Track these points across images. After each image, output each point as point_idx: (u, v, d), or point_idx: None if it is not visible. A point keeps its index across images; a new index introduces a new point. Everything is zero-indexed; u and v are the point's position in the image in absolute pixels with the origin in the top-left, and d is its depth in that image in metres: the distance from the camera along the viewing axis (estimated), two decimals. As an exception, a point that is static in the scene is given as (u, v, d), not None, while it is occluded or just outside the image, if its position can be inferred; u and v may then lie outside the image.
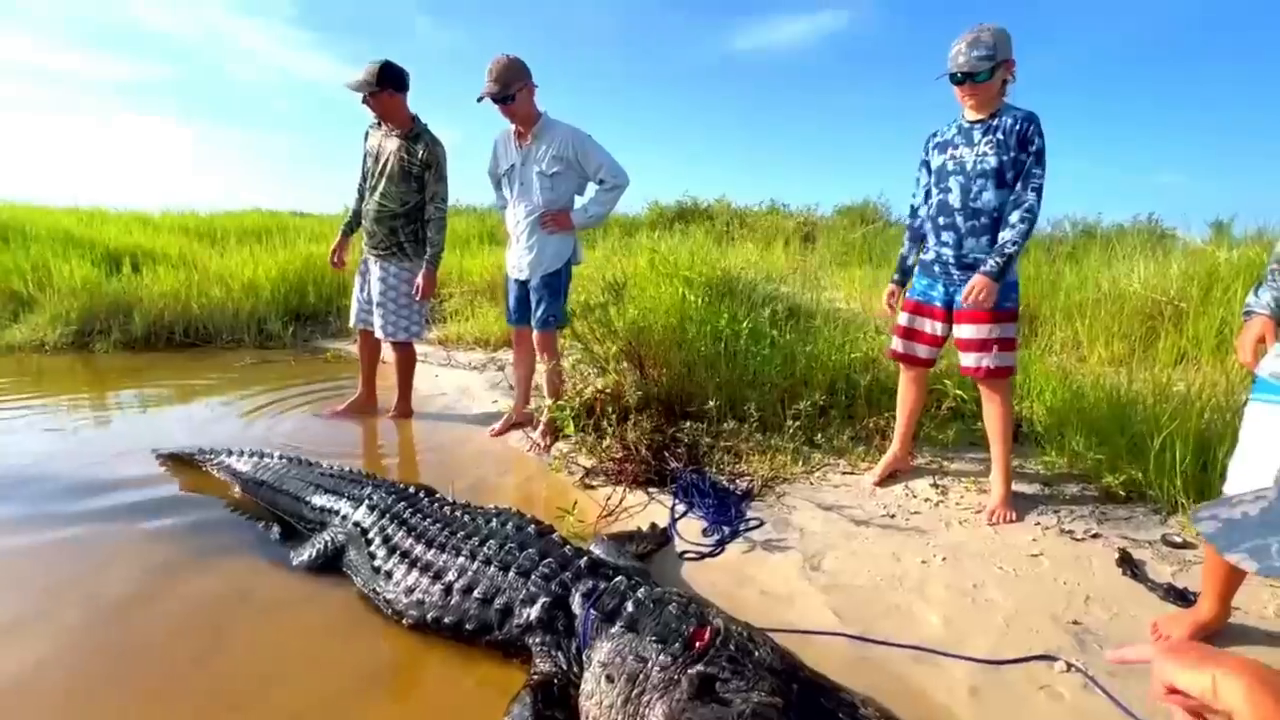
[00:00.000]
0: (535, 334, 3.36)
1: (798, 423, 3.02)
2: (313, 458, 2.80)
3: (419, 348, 5.48)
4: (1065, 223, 6.89)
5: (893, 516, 2.46)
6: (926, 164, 2.54)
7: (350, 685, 1.68)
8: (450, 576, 1.82)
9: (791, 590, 2.07)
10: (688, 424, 3.11)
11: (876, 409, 3.17)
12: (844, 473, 2.86)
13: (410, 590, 1.85)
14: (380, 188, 3.54)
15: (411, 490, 2.28)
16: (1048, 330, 4.27)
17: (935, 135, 2.50)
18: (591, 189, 3.31)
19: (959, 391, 3.10)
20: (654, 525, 2.45)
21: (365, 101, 3.41)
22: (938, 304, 2.51)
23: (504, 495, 2.88)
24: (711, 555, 2.28)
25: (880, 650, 1.77)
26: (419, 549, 1.94)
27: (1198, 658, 0.79)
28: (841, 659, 1.74)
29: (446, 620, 1.75)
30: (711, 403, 3.14)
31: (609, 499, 2.66)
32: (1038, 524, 2.35)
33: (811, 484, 2.77)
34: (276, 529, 2.39)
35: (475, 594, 1.75)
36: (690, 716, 1.38)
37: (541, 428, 3.37)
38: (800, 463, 2.91)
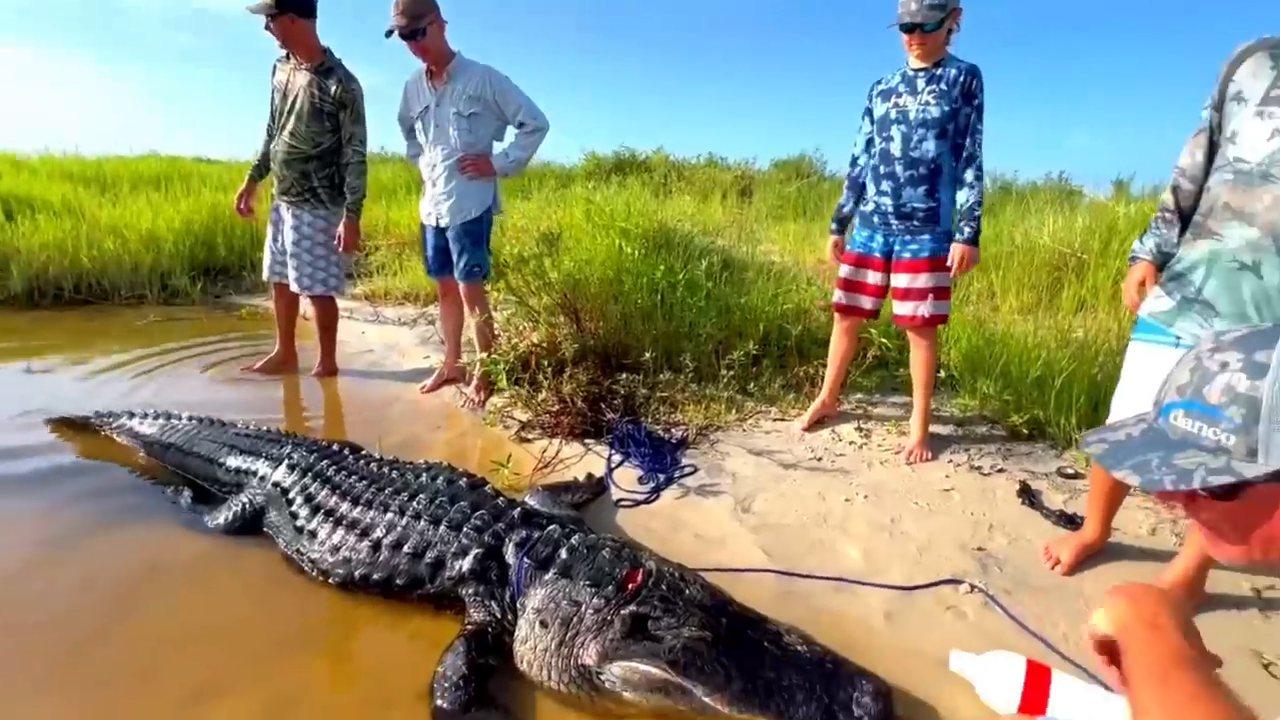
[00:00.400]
0: (461, 286, 3.25)
1: (731, 372, 3.07)
2: (228, 419, 2.64)
3: (343, 304, 5.21)
4: (985, 180, 7.20)
5: (819, 459, 2.57)
6: (869, 112, 2.54)
7: (275, 646, 1.63)
8: (379, 533, 1.78)
9: (724, 532, 2.14)
10: (624, 376, 3.11)
11: (806, 358, 3.27)
12: (775, 419, 2.94)
13: (336, 549, 1.80)
14: (289, 127, 3.27)
15: (335, 448, 2.19)
16: (965, 282, 4.48)
17: (880, 83, 2.50)
18: (510, 134, 3.17)
19: (884, 340, 3.23)
20: (590, 475, 2.47)
21: (267, 27, 3.10)
22: (877, 255, 2.55)
23: (436, 451, 2.82)
24: (647, 502, 2.33)
25: (805, 584, 1.87)
26: (344, 507, 1.87)
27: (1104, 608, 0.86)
28: (770, 593, 1.83)
29: (376, 577, 1.71)
30: (648, 354, 3.14)
31: (545, 451, 2.65)
32: (950, 461, 2.50)
33: (744, 431, 2.84)
34: (188, 494, 2.25)
35: (405, 549, 1.72)
36: (624, 654, 1.42)
37: (475, 382, 3.30)
38: (734, 411, 2.98)
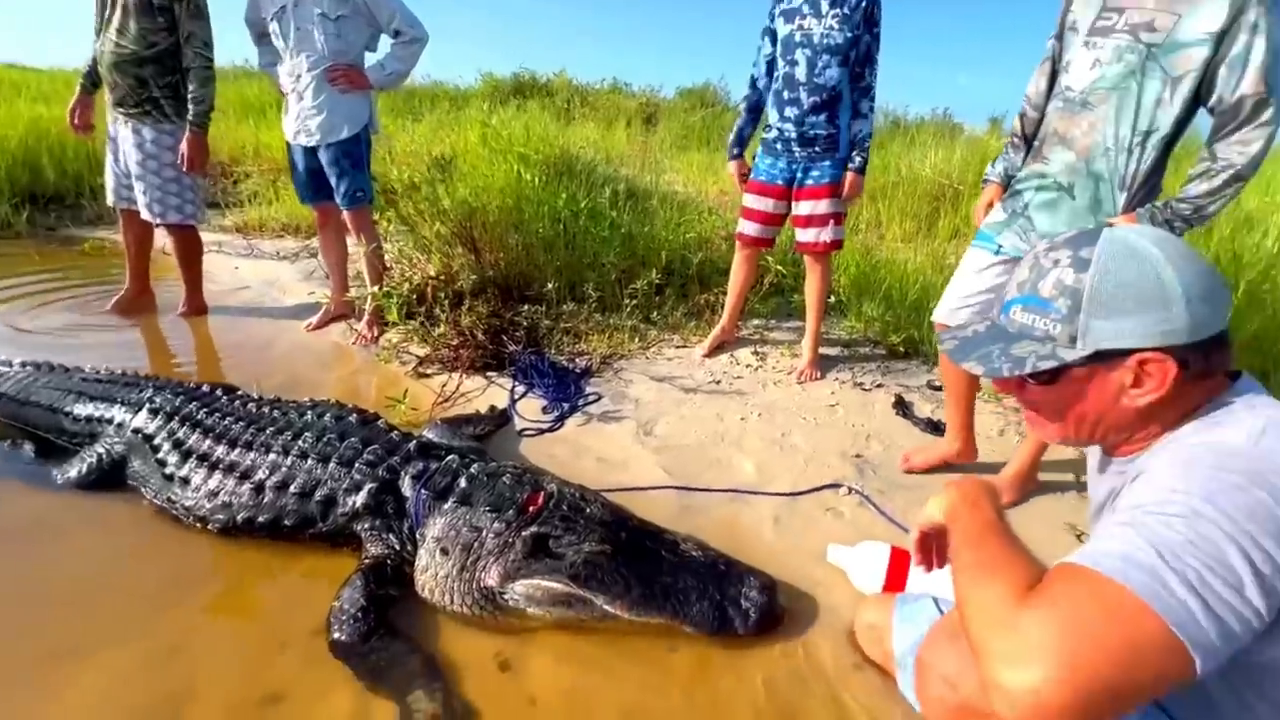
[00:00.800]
0: (346, 214, 3.00)
1: (635, 302, 3.09)
2: (73, 365, 2.34)
3: (213, 237, 4.72)
4: (878, 114, 7.45)
5: (718, 383, 2.67)
6: (772, 32, 2.49)
7: (150, 599, 1.53)
8: (261, 474, 1.68)
9: (626, 455, 2.20)
10: (526, 307, 3.04)
11: (708, 286, 3.33)
12: (677, 346, 3.01)
13: (214, 494, 1.68)
14: (115, 23, 2.79)
15: (204, 389, 2.01)
16: (855, 212, 4.69)
17: (781, 1, 2.46)
18: (385, 45, 2.88)
19: (779, 268, 3.34)
20: (493, 407, 2.44)
21: None
22: (779, 182, 2.58)
23: (326, 391, 2.65)
24: (551, 430, 2.34)
25: (702, 497, 1.97)
26: (220, 450, 1.74)
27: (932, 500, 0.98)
28: (670, 509, 1.92)
29: (261, 519, 1.63)
30: (550, 285, 3.08)
31: (445, 386, 2.58)
32: (837, 379, 2.68)
33: (647, 358, 2.89)
34: (29, 447, 2.01)
35: (292, 489, 1.64)
36: (526, 573, 1.45)
37: (366, 318, 3.11)
38: (637, 339, 3.01)
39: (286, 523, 1.62)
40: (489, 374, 2.70)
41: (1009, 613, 0.67)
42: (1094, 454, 1.01)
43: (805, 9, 2.38)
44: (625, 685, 1.37)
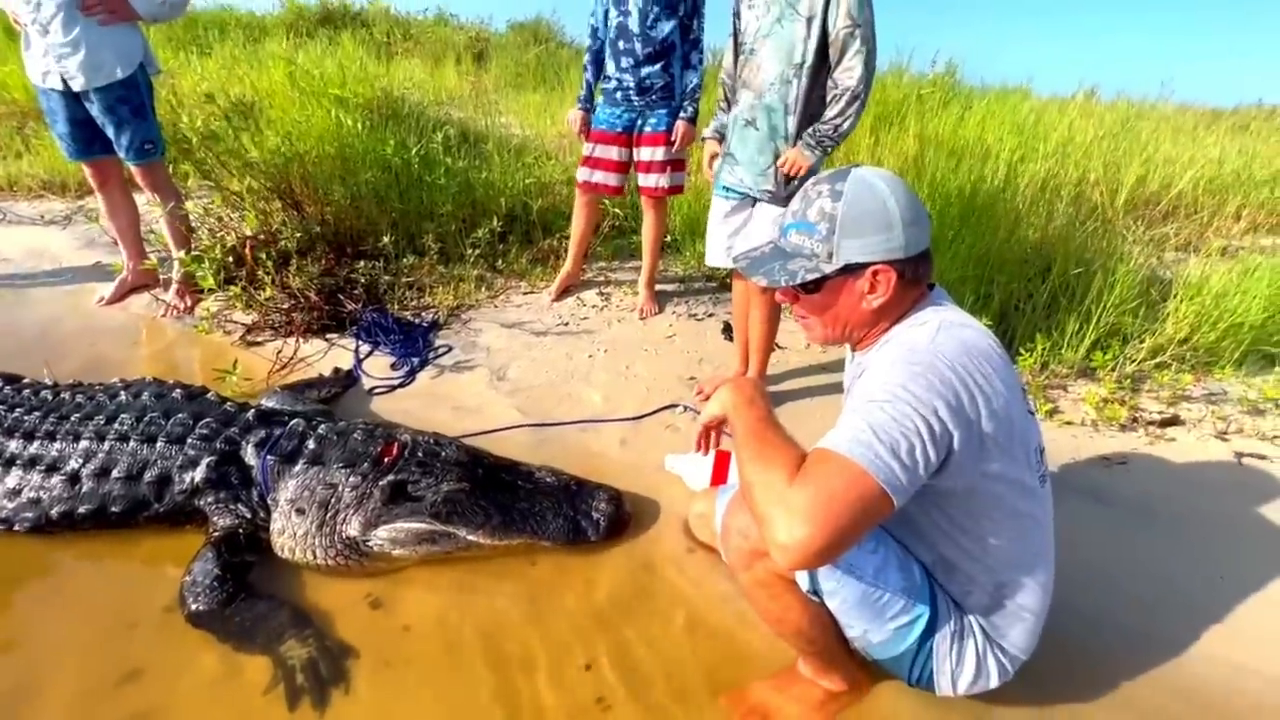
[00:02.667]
0: (134, 169, 2.64)
1: (478, 251, 3.09)
2: None
3: None
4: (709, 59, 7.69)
5: (566, 324, 2.81)
6: None
7: (-44, 610, 1.40)
8: (73, 464, 1.56)
9: (481, 401, 2.29)
10: (362, 264, 2.93)
11: (550, 232, 3.40)
12: (525, 293, 3.09)
13: (16, 492, 1.54)
14: None
15: (-19, 381, 1.78)
16: (690, 153, 4.93)
17: None
18: None
19: (618, 210, 3.49)
20: (337, 369, 2.38)
21: None
22: (620, 130, 2.66)
23: (137, 370, 2.39)
24: (402, 386, 2.35)
25: (555, 431, 2.14)
26: (14, 445, 1.58)
27: (714, 392, 1.21)
28: (526, 446, 2.06)
29: (82, 510, 1.53)
30: (386, 239, 2.98)
31: (279, 353, 2.46)
32: (674, 313, 2.94)
33: (496, 307, 2.95)
34: None
35: (116, 473, 1.55)
36: (386, 519, 1.53)
37: (175, 287, 2.81)
38: (484, 289, 3.04)
39: (114, 509, 1.53)
40: (329, 336, 2.61)
41: (781, 491, 0.90)
42: (848, 351, 1.30)
43: None
44: (493, 600, 1.53)
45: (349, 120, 3.44)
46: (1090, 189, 3.11)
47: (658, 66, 2.56)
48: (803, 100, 1.80)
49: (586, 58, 2.75)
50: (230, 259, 2.75)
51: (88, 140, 2.58)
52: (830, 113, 1.77)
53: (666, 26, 2.50)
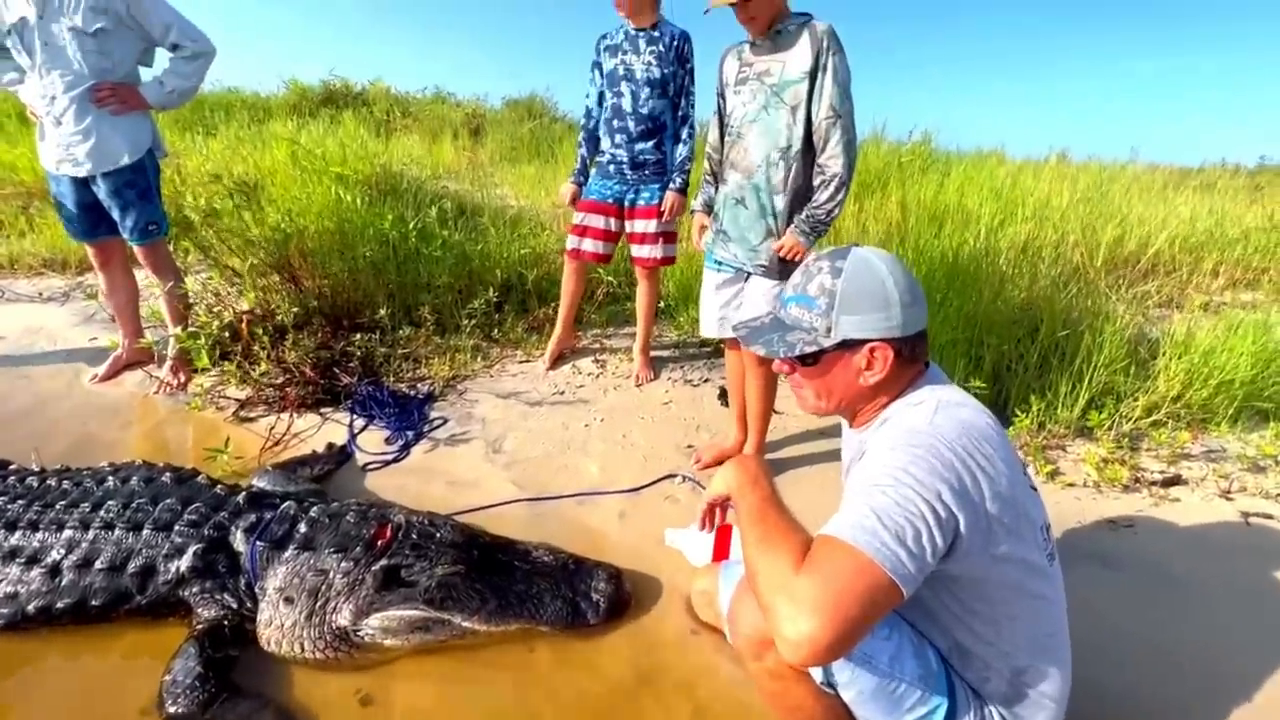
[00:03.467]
0: (138, 249, 2.68)
1: (474, 321, 3.12)
2: None
3: None
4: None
5: (562, 393, 2.81)
6: (599, 65, 2.68)
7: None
8: (54, 555, 1.51)
9: (477, 475, 2.26)
10: (358, 336, 2.95)
11: (545, 301, 3.45)
12: (521, 361, 3.10)
13: (-8, 586, 1.48)
14: None
15: (-36, 469, 1.74)
16: (683, 223, 5.08)
17: (605, 38, 2.65)
18: (162, 58, 2.60)
19: (610, 279, 3.55)
20: (330, 445, 2.36)
21: None
22: (611, 201, 2.75)
23: (127, 451, 2.39)
24: (397, 461, 2.32)
25: (552, 505, 2.10)
26: (-6, 536, 1.53)
27: (711, 459, 1.21)
28: (523, 521, 2.02)
29: (61, 605, 1.47)
30: (383, 311, 3.01)
31: (273, 428, 2.43)
32: (669, 378, 2.95)
33: (491, 376, 2.95)
34: None
35: (99, 565, 1.49)
36: (379, 606, 1.48)
37: (170, 363, 2.81)
38: (480, 359, 3.05)
39: (94, 603, 1.47)
40: (323, 410, 2.59)
41: (786, 581, 0.88)
42: (845, 428, 1.29)
43: (626, 46, 2.60)
44: (490, 691, 1.46)
45: (348, 196, 3.54)
46: (1070, 250, 3.21)
47: (650, 143, 2.66)
48: (791, 181, 1.88)
49: (581, 135, 2.86)
50: (226, 334, 2.76)
51: (94, 223, 2.64)
52: (820, 198, 1.84)
53: (658, 105, 2.62)
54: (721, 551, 1.77)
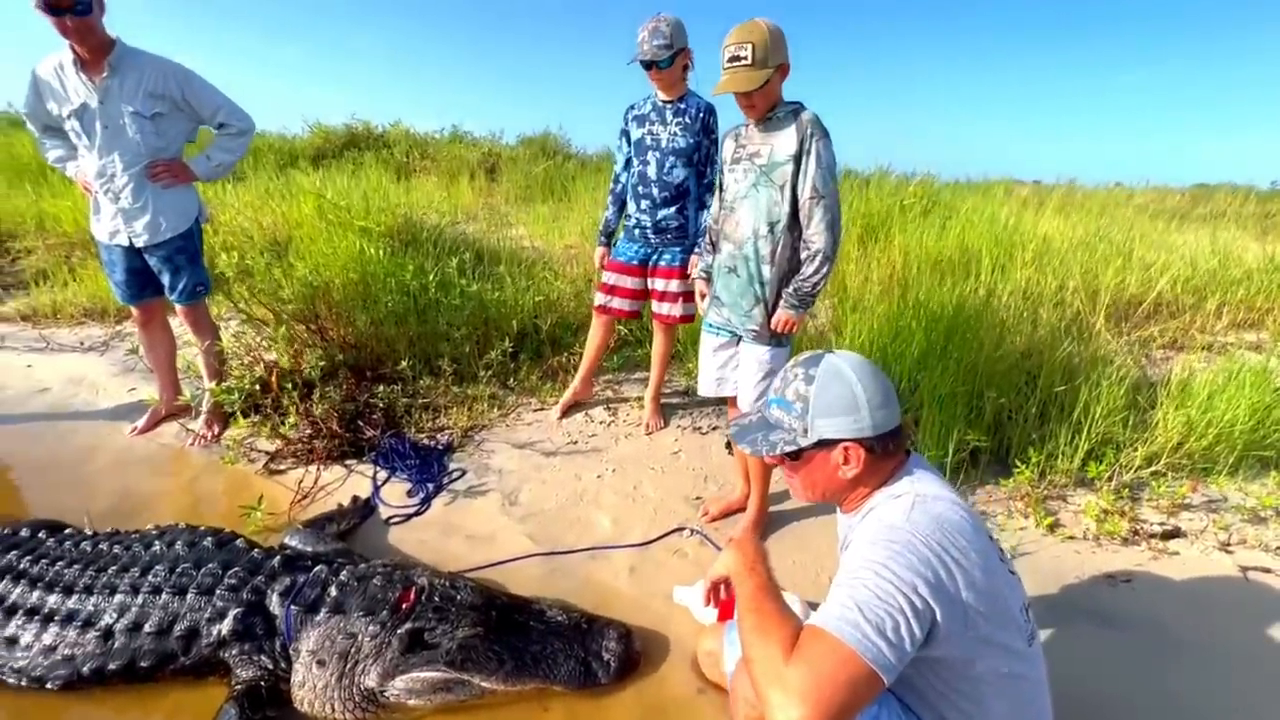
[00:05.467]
0: (182, 309, 2.87)
1: (491, 371, 3.25)
2: None
3: None
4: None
5: (575, 442, 2.91)
6: (626, 134, 2.82)
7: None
8: (108, 619, 1.63)
9: (493, 529, 2.36)
10: (381, 388, 3.09)
11: (560, 348, 3.58)
12: (535, 410, 3.21)
13: (51, 649, 1.61)
14: None
15: (24, 534, 1.88)
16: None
17: (633, 108, 2.79)
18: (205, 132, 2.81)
19: (622, 327, 3.67)
20: (355, 498, 2.48)
21: None
22: (636, 263, 2.88)
23: (165, 502, 2.53)
24: (418, 514, 2.43)
25: (565, 559, 2.19)
26: (53, 600, 1.66)
27: (712, 566, 1.31)
28: (537, 575, 2.12)
29: (113, 666, 1.59)
30: (404, 362, 3.15)
31: (301, 482, 2.56)
32: (679, 426, 3.04)
33: (507, 426, 3.06)
34: None
35: (147, 629, 1.61)
36: (404, 668, 1.58)
37: (205, 416, 2.97)
38: (496, 408, 3.17)
39: (143, 664, 1.59)
40: (348, 462, 2.72)
41: (778, 670, 0.98)
42: (838, 510, 1.38)
43: (653, 116, 2.73)
44: (506, 752, 1.54)
45: (371, 249, 3.72)
46: (1070, 296, 3.27)
47: (673, 209, 2.77)
48: (780, 253, 2.00)
49: (609, 199, 2.98)
50: (257, 387, 2.91)
51: (141, 286, 2.83)
52: (806, 271, 1.96)
53: (681, 174, 2.72)
54: (727, 612, 1.85)
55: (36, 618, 1.64)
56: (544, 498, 2.52)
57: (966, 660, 1.08)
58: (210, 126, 2.78)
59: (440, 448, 2.80)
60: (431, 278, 3.63)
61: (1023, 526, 2.33)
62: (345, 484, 2.61)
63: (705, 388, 2.30)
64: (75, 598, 1.67)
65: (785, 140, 1.93)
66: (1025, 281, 3.35)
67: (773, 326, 2.03)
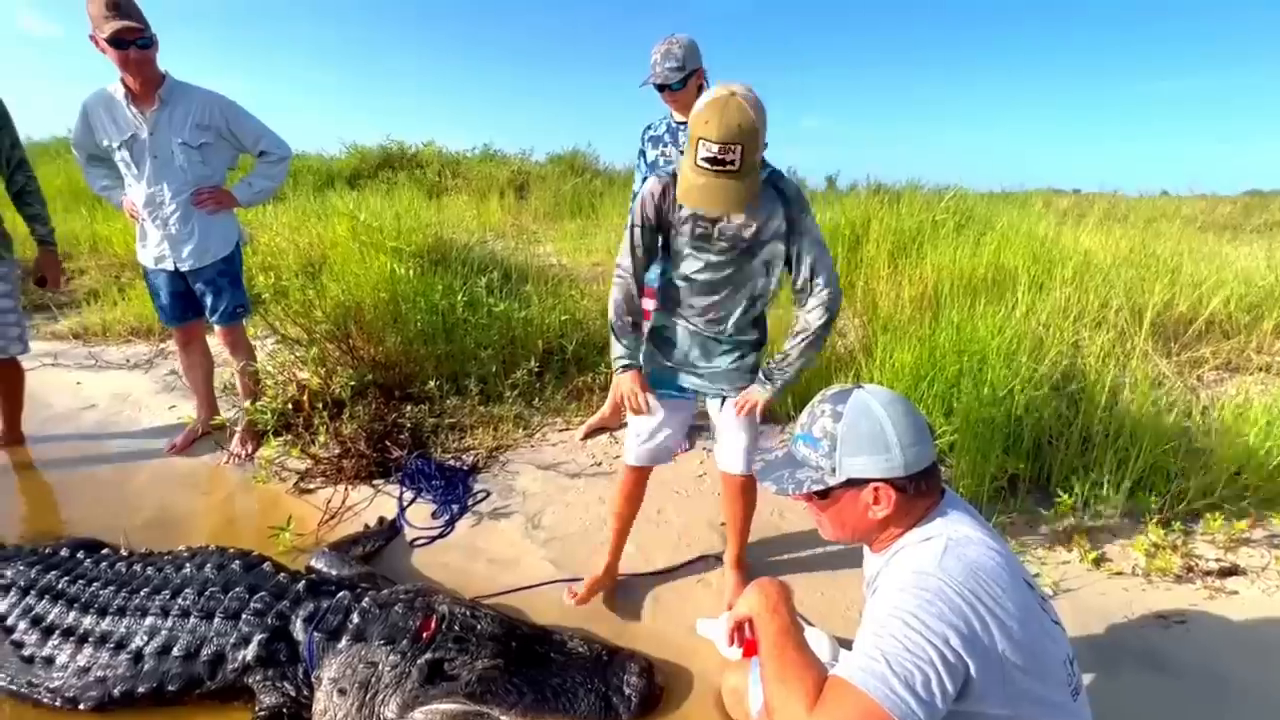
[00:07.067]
0: (221, 330, 2.96)
1: (517, 390, 3.26)
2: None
3: (47, 346, 4.39)
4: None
5: (599, 464, 2.89)
6: (643, 154, 2.82)
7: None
8: (138, 641, 1.66)
9: (517, 552, 2.35)
10: (409, 407, 3.12)
11: (585, 367, 3.57)
12: (560, 430, 3.21)
13: (85, 670, 1.64)
14: None
15: (64, 554, 1.94)
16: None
17: (649, 128, 2.78)
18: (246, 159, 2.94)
19: (648, 345, 3.65)
20: (381, 519, 2.49)
21: None
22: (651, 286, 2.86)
23: (199, 521, 2.59)
24: (442, 536, 2.44)
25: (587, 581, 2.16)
26: (88, 621, 1.70)
27: (735, 605, 1.27)
28: (558, 602, 2.09)
29: (142, 690, 1.61)
30: (432, 382, 3.18)
31: (329, 501, 2.60)
32: (703, 448, 2.99)
33: (532, 446, 3.06)
34: None
35: (175, 652, 1.64)
36: (424, 700, 1.57)
37: (239, 434, 3.04)
38: (522, 428, 3.17)
39: (170, 688, 1.61)
40: (375, 482, 2.75)
41: (800, 718, 0.93)
42: (865, 550, 1.33)
43: (667, 138, 2.72)
44: (525, 789, 1.51)
45: (401, 269, 3.79)
46: (1114, 315, 3.14)
47: None
48: (750, 321, 1.87)
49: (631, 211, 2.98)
50: (289, 406, 2.98)
51: (184, 309, 2.95)
52: (796, 349, 1.79)
53: None
54: (753, 648, 1.80)
55: (72, 638, 1.68)
56: (568, 521, 2.50)
57: (1004, 717, 1.02)
58: (251, 154, 2.87)
59: (465, 469, 2.81)
60: (459, 297, 3.67)
61: (1065, 560, 2.22)
62: (372, 504, 2.63)
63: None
64: (109, 619, 1.70)
65: (771, 216, 1.68)
66: (1065, 300, 3.23)
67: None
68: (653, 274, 2.00)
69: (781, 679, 1.02)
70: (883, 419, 1.12)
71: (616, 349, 1.86)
